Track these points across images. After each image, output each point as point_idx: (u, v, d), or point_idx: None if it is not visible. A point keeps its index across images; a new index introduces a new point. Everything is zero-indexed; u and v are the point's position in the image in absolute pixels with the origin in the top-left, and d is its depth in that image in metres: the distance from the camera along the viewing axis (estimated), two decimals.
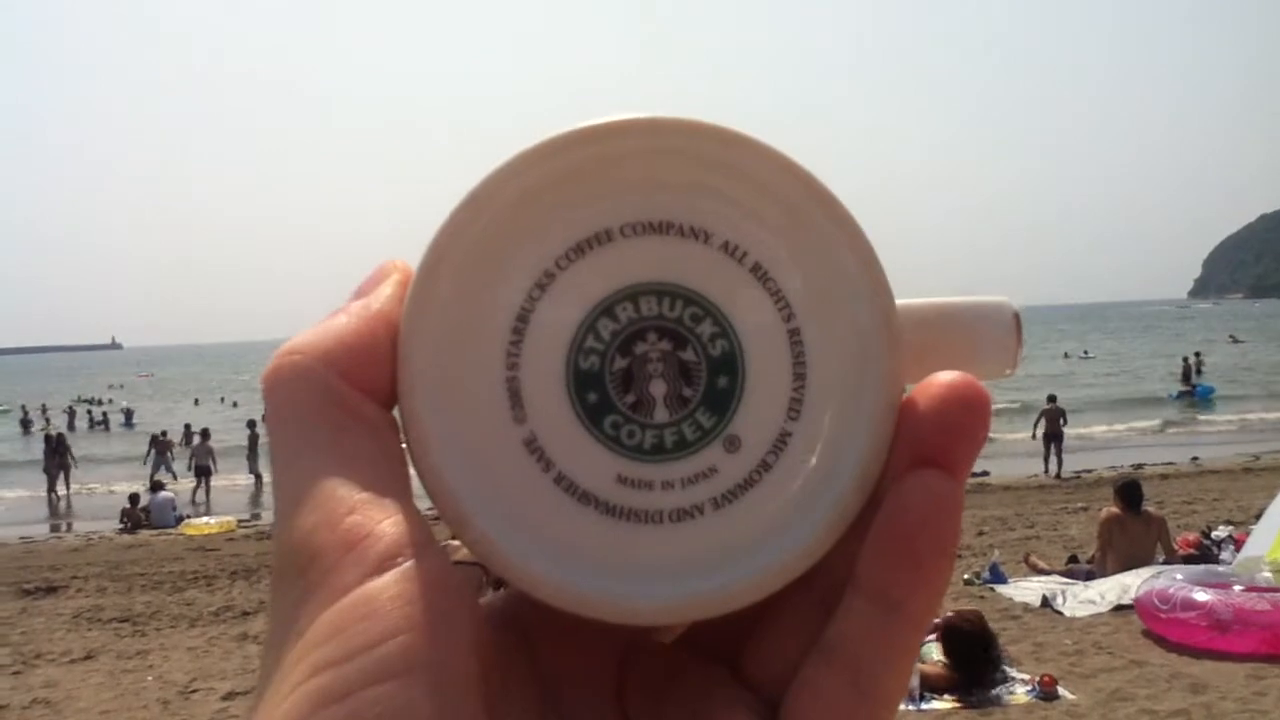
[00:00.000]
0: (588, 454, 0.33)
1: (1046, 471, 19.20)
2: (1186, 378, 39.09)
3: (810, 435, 0.33)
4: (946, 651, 6.65)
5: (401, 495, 0.29)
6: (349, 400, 0.28)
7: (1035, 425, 20.92)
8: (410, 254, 0.31)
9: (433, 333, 0.31)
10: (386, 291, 0.30)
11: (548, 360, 0.32)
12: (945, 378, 0.31)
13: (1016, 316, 0.36)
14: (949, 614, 6.85)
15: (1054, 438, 19.70)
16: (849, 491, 0.32)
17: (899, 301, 0.33)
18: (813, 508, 0.32)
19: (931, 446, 0.30)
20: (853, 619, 0.30)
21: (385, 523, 0.28)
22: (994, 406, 0.32)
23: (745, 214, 0.33)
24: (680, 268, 0.32)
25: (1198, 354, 45.64)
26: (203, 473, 22.99)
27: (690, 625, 0.34)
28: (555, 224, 0.32)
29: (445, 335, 0.31)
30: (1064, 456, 19.12)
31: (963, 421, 0.30)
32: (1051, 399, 21.15)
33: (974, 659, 6.64)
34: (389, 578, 0.27)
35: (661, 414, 0.33)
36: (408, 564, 0.27)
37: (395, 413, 0.32)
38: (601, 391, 0.33)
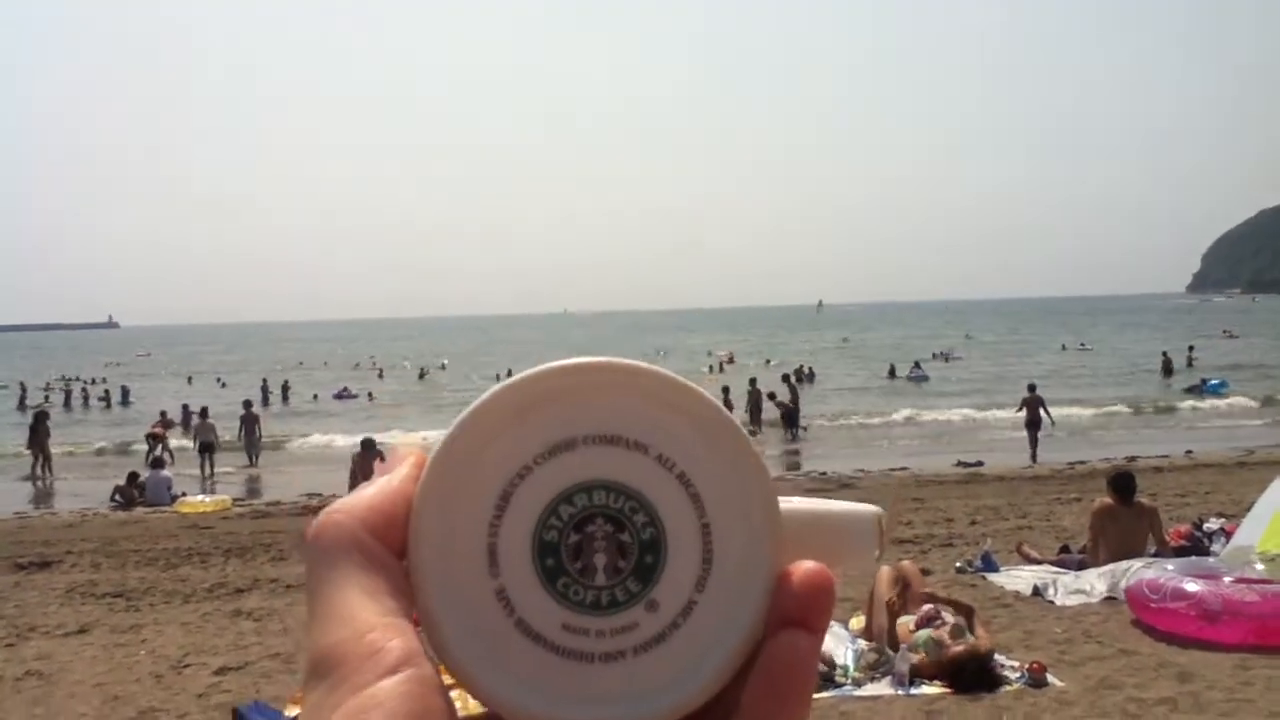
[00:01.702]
0: (542, 605, 0.44)
1: (1033, 454, 20.54)
2: (1167, 372, 39.52)
3: (712, 604, 0.45)
4: (948, 682, 6.59)
5: (408, 622, 0.40)
6: (373, 550, 0.39)
7: (1018, 411, 22.27)
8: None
9: (434, 506, 0.43)
10: (404, 471, 0.42)
11: (519, 532, 0.44)
12: (807, 566, 0.44)
13: (880, 522, 0.48)
14: (958, 648, 6.66)
15: (1034, 425, 21.27)
16: (737, 647, 0.44)
17: (784, 504, 0.46)
18: (710, 658, 0.44)
19: (797, 613, 0.43)
20: None
21: (395, 640, 0.39)
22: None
23: (674, 435, 0.45)
24: (625, 471, 0.45)
25: (1190, 348, 45.80)
26: (206, 449, 23.06)
27: None
28: (535, 432, 0.45)
29: (444, 508, 0.43)
30: (1061, 449, 19.72)
31: (820, 599, 0.43)
32: (1031, 388, 22.54)
33: (972, 686, 6.58)
34: (396, 679, 0.38)
35: (601, 579, 0.44)
36: (410, 670, 0.39)
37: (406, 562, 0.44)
38: (557, 558, 0.44)
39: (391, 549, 0.40)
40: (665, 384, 0.45)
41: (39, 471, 23.52)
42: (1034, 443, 21.14)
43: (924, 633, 7.07)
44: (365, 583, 0.39)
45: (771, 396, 26.74)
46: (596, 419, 0.45)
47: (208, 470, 22.84)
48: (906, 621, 7.46)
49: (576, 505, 0.44)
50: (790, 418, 26.37)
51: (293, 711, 6.07)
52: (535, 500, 0.44)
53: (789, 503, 0.46)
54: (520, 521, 0.44)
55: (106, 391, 45.25)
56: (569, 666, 0.44)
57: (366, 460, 16.86)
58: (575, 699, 0.44)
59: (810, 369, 43.37)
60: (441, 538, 0.43)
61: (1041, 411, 21.50)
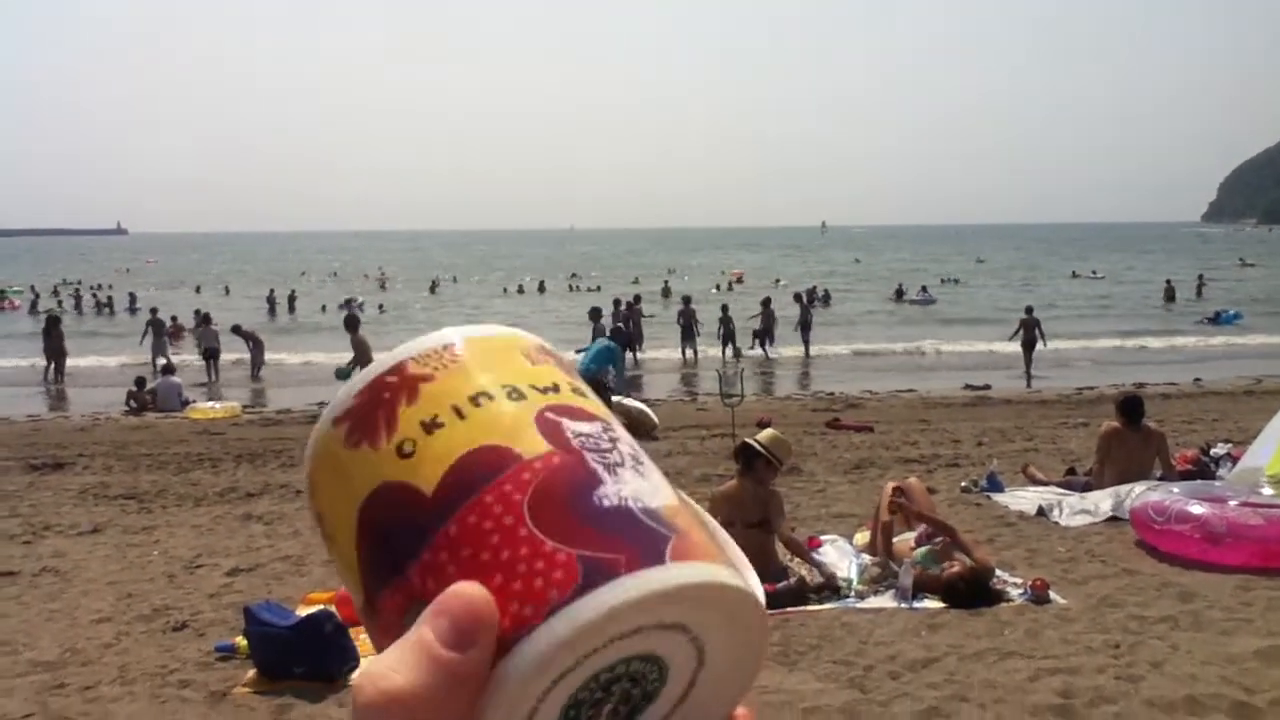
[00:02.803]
0: None
1: (1028, 374, 21.96)
2: (1170, 298, 39.57)
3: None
4: (945, 599, 6.64)
5: None
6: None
7: (1014, 334, 23.44)
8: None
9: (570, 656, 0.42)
10: (485, 628, 0.39)
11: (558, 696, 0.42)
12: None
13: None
14: (953, 569, 6.71)
15: (1029, 345, 22.65)
16: None
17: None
18: None
19: None
20: None
21: None
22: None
23: (708, 623, 0.45)
24: (663, 645, 0.44)
25: (1200, 276, 45.54)
26: (210, 354, 23.16)
27: None
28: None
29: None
30: (1069, 375, 19.93)
31: None
32: (1029, 310, 23.71)
33: (971, 603, 6.63)
34: None
35: None
36: None
37: None
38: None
39: None
40: (735, 599, 0.44)
41: (50, 376, 23.68)
42: (1029, 363, 22.42)
43: (923, 549, 7.14)
44: None
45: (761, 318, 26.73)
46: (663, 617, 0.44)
47: (212, 375, 23.01)
48: (908, 538, 7.53)
49: (615, 672, 0.44)
50: (767, 334, 26.50)
51: (303, 611, 6.17)
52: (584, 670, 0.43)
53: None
54: (563, 689, 0.43)
55: (110, 298, 45.44)
56: None
57: (355, 342, 16.41)
58: None
59: (826, 290, 43.17)
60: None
61: (1036, 333, 22.61)
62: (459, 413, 0.45)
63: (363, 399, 0.46)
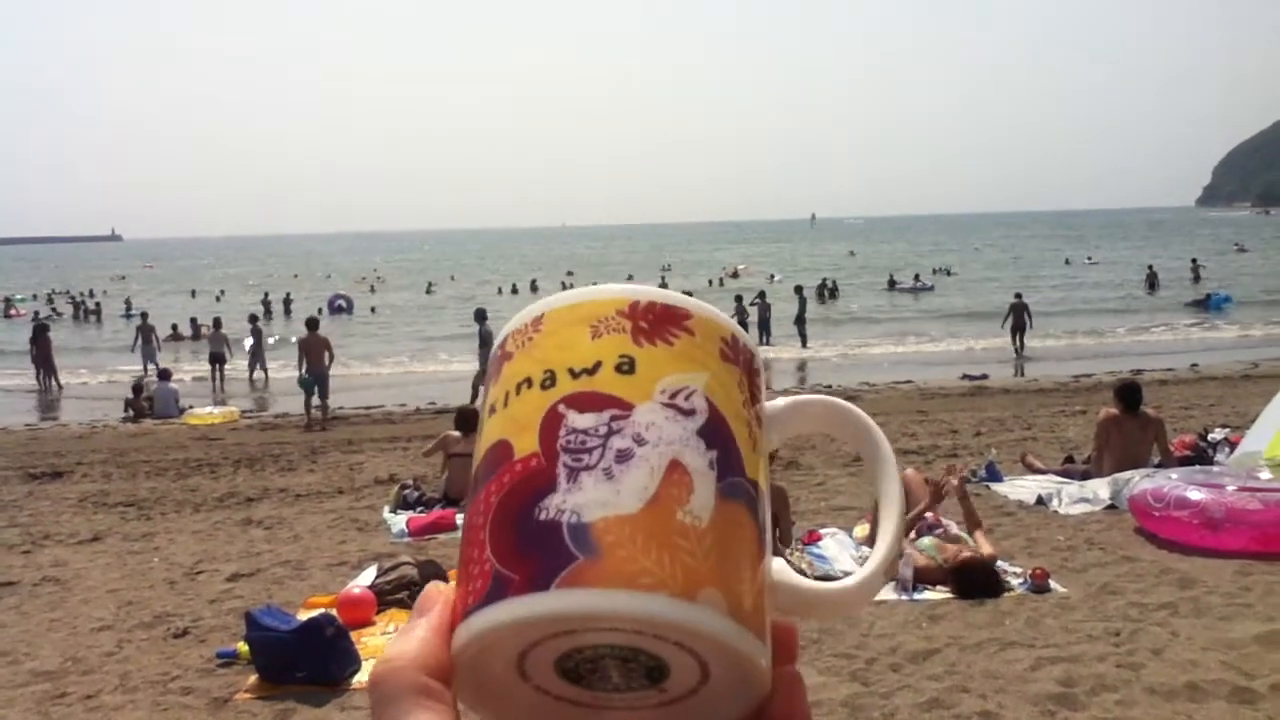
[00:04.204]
0: (571, 689, 0.45)
1: (1018, 358, 23.18)
2: (1151, 286, 39.66)
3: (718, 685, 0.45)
4: (954, 586, 6.66)
5: None
6: (425, 685, 0.43)
7: (1005, 319, 24.59)
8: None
9: (484, 647, 0.44)
10: (439, 609, 0.45)
11: (549, 654, 0.43)
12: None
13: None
14: (965, 555, 6.76)
15: (1019, 329, 24.07)
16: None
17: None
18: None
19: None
20: None
21: None
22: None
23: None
24: (645, 643, 0.42)
25: (1194, 260, 45.62)
26: (217, 360, 23.15)
27: None
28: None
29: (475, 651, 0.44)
30: (1065, 363, 20.03)
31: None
32: (1018, 295, 25.06)
33: (978, 592, 6.66)
34: None
35: (619, 681, 0.44)
36: None
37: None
38: (578, 671, 0.44)
39: (440, 679, 0.44)
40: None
41: (42, 383, 23.62)
42: (1019, 343, 23.96)
43: (926, 539, 7.15)
44: (419, 710, 0.43)
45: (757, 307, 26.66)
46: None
47: (218, 381, 22.99)
48: None
49: (596, 651, 0.43)
50: (764, 325, 26.31)
51: (305, 615, 6.17)
52: (554, 649, 0.43)
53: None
54: (543, 659, 0.44)
55: (98, 305, 45.53)
56: (597, 715, 0.46)
57: (314, 341, 17.12)
58: None
59: (834, 283, 43.06)
60: (475, 663, 0.44)
61: (1025, 316, 24.12)
62: (505, 401, 0.46)
63: (492, 362, 0.49)
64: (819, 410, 0.51)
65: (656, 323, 0.46)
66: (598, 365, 0.45)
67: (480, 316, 18.89)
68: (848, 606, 0.48)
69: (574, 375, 0.45)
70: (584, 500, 0.42)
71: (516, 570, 0.42)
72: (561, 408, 0.44)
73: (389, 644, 0.46)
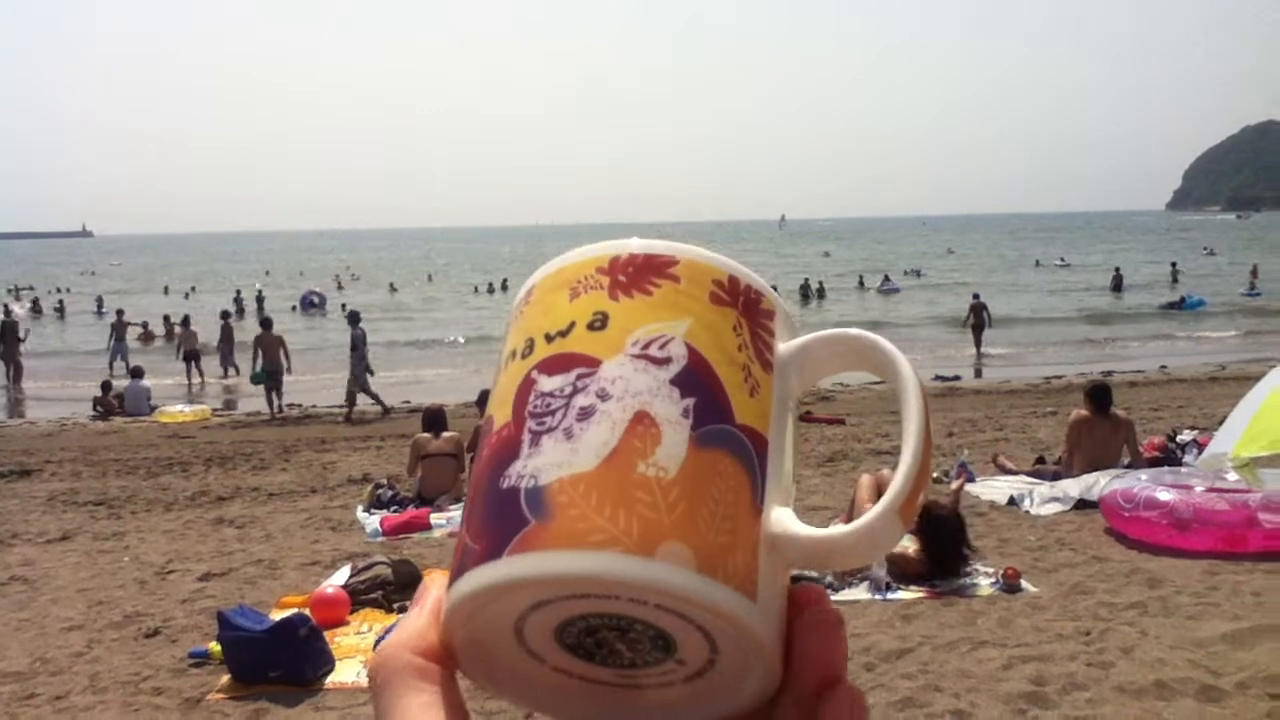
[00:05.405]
0: (578, 663, 0.44)
1: (978, 356, 23.92)
2: (1117, 288, 40.31)
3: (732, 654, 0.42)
4: (919, 532, 6.76)
5: None
6: (418, 666, 0.44)
7: (966, 320, 25.23)
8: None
9: (460, 625, 0.43)
10: (432, 592, 0.46)
11: (542, 629, 0.42)
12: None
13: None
14: (928, 499, 6.88)
15: (978, 328, 24.61)
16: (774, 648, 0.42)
17: None
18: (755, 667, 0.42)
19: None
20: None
21: None
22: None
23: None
24: (643, 612, 0.40)
25: (1174, 264, 46.21)
26: (191, 357, 22.96)
27: None
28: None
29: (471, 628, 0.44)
30: (1036, 364, 20.21)
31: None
32: (976, 296, 25.89)
33: (946, 540, 6.78)
34: None
35: (626, 655, 0.42)
36: None
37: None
38: (581, 644, 0.43)
39: (437, 661, 0.45)
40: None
41: (8, 381, 23.34)
42: (978, 342, 24.50)
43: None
44: (419, 692, 0.44)
45: None
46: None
47: (195, 378, 22.81)
48: None
49: (587, 623, 0.42)
50: None
51: (277, 615, 6.13)
52: (550, 620, 0.42)
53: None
54: (541, 629, 0.42)
55: (61, 302, 45.07)
56: (611, 693, 0.44)
57: (268, 339, 17.52)
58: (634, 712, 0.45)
59: (821, 284, 43.08)
60: (471, 640, 0.44)
61: (985, 315, 24.70)
62: (495, 378, 0.46)
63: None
64: (839, 346, 0.46)
65: (636, 274, 0.44)
66: (571, 326, 0.43)
67: (354, 319, 17.93)
68: (856, 554, 0.43)
69: (549, 340, 0.43)
70: (542, 463, 0.40)
71: (479, 542, 0.41)
72: (534, 374, 0.43)
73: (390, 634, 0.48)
